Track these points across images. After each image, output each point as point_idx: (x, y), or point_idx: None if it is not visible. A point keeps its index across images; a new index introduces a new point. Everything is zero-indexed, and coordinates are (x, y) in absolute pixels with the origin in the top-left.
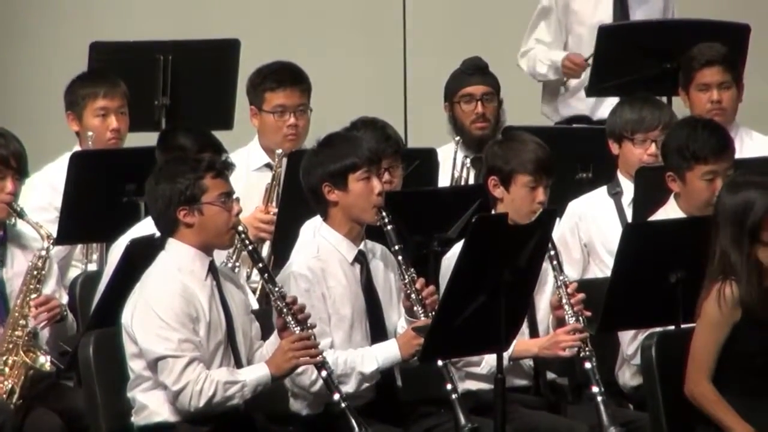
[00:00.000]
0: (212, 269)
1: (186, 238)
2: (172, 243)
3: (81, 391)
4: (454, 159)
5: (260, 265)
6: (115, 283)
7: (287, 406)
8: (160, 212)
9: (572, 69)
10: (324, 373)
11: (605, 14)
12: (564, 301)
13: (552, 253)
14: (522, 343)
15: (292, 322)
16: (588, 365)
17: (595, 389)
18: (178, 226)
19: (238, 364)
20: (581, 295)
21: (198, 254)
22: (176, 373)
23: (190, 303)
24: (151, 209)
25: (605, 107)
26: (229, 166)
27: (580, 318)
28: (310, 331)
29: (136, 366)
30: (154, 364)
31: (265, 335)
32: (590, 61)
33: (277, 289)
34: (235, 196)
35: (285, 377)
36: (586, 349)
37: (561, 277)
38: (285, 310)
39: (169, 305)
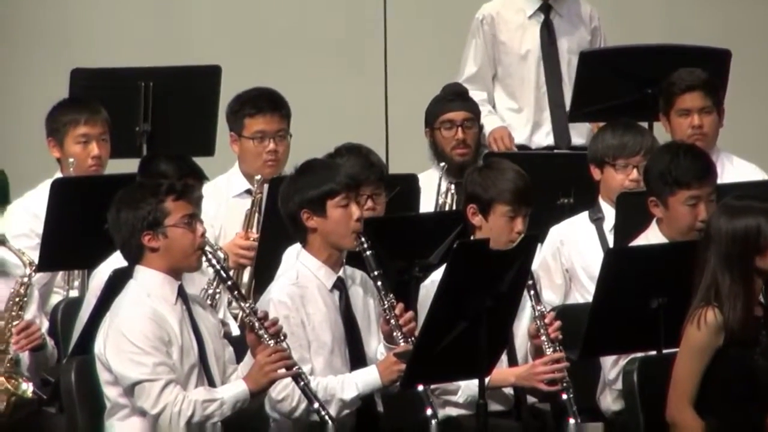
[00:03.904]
0: (181, 293)
1: (153, 264)
2: (140, 270)
3: (63, 418)
4: (439, 185)
5: (229, 282)
6: (98, 313)
7: None
8: (125, 240)
9: (495, 145)
10: (301, 384)
11: (532, 44)
12: (542, 331)
13: (530, 282)
14: (499, 372)
15: (266, 336)
16: (565, 396)
17: (572, 421)
18: (144, 252)
19: (212, 387)
20: (558, 323)
21: (166, 278)
22: (153, 397)
23: (162, 327)
24: (115, 238)
25: (541, 134)
26: (190, 188)
27: (558, 347)
28: (283, 344)
29: (111, 394)
30: (130, 390)
31: (241, 360)
32: (515, 149)
33: (247, 305)
34: (200, 217)
35: (263, 392)
36: (564, 380)
37: (538, 308)
38: (257, 324)
39: (140, 330)
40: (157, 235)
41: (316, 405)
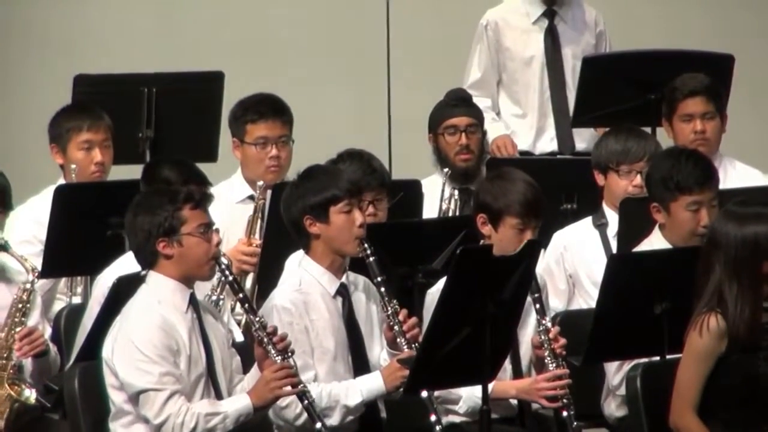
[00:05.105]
0: (193, 302)
1: (166, 270)
2: (152, 275)
3: (66, 424)
4: (442, 191)
5: (241, 295)
6: (102, 321)
7: None
8: (140, 245)
9: (498, 153)
10: (305, 402)
11: (537, 50)
12: (545, 346)
13: (536, 295)
14: (501, 384)
15: (273, 352)
16: (566, 413)
17: None
18: (158, 259)
19: (219, 398)
20: (563, 341)
21: (178, 286)
22: (157, 407)
23: (171, 336)
24: (130, 242)
25: (544, 140)
26: (207, 197)
27: (561, 363)
28: (290, 360)
29: (117, 399)
30: (135, 398)
31: (247, 369)
32: (517, 154)
33: (257, 318)
34: (214, 227)
35: (267, 407)
36: (565, 397)
37: (543, 322)
38: (266, 339)
39: (149, 338)
40: (172, 242)
41: (318, 425)
